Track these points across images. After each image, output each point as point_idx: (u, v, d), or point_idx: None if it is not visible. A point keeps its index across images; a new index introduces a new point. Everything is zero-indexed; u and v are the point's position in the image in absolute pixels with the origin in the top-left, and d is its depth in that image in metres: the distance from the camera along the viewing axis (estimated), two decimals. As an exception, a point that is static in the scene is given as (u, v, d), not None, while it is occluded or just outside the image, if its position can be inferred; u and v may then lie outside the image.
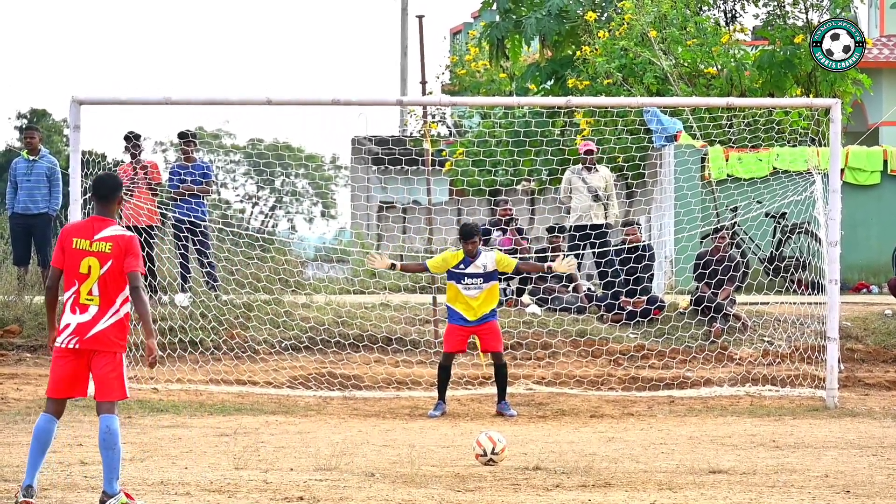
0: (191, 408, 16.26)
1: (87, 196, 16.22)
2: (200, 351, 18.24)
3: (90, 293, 9.38)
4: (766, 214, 21.17)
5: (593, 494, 10.36)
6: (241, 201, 64.85)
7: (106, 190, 9.64)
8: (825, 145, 17.75)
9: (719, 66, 24.90)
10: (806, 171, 19.05)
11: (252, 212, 64.43)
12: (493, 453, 11.72)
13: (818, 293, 17.67)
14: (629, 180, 23.73)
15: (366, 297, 20.31)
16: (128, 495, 9.40)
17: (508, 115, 25.83)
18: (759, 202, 21.01)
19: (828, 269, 16.95)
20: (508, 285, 19.98)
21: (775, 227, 21.56)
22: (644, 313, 19.14)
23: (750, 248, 21.57)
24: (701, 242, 21.01)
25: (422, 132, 23.39)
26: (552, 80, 27.24)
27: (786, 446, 13.31)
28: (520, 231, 20.88)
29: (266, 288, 19.39)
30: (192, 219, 19.62)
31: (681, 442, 13.67)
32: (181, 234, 19.79)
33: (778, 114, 22.63)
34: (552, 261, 16.72)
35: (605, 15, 26.42)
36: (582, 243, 20.01)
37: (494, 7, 27.95)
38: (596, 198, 20.16)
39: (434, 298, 19.12)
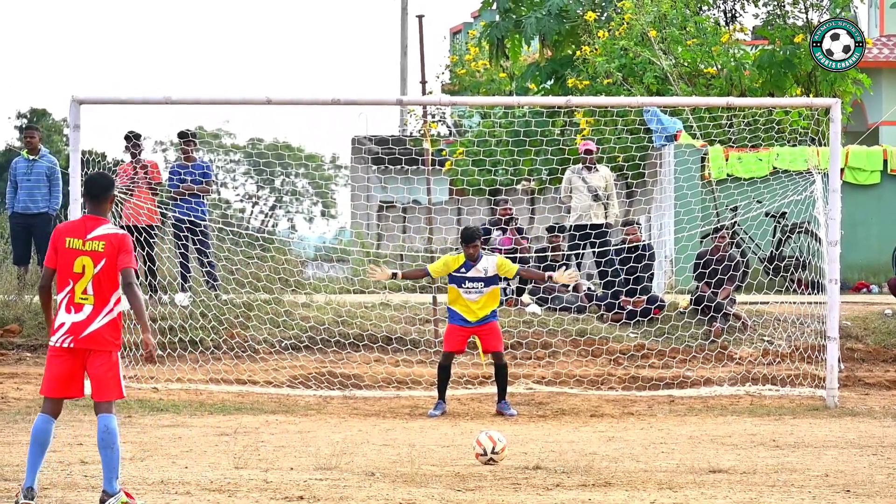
0: (191, 407, 16.26)
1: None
2: (200, 350, 18.24)
3: (84, 292, 9.39)
4: (766, 214, 21.17)
5: (593, 494, 10.36)
6: (241, 201, 64.90)
7: (98, 189, 9.63)
8: (825, 145, 17.75)
9: (719, 66, 24.91)
10: (806, 170, 19.05)
11: (252, 211, 64.46)
12: (493, 453, 11.72)
13: (818, 293, 17.68)
14: (629, 180, 23.73)
15: (366, 296, 20.31)
16: (128, 494, 9.40)
17: (508, 114, 25.84)
18: (759, 202, 21.01)
19: (828, 268, 16.95)
20: (508, 284, 19.99)
21: (775, 226, 21.56)
22: (644, 313, 19.14)
23: (750, 248, 21.58)
24: (701, 242, 21.02)
25: (422, 132, 23.39)
26: (552, 80, 27.25)
27: (786, 446, 13.31)
28: (520, 231, 20.88)
29: (266, 287, 19.40)
30: (192, 218, 19.63)
31: (681, 441, 13.67)
32: (181, 234, 19.79)
33: (778, 113, 22.63)
34: (554, 270, 16.73)
35: (605, 15, 26.43)
36: (582, 243, 20.02)
37: (494, 7, 27.96)
38: (596, 197, 20.17)
39: (434, 298, 19.13)
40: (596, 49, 24.94)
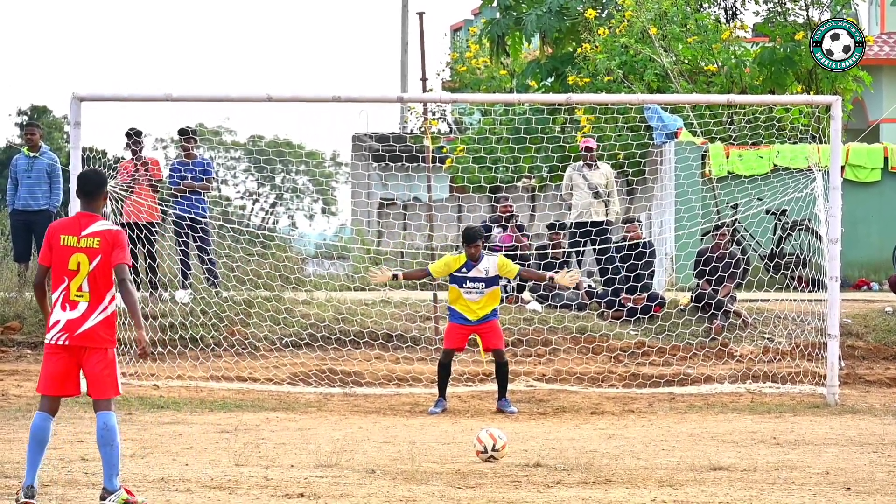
0: (191, 404, 16.26)
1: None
2: (201, 347, 18.24)
3: (80, 289, 9.38)
4: (767, 211, 21.16)
5: (594, 491, 10.36)
6: (242, 198, 64.88)
7: (91, 186, 9.62)
8: (826, 142, 17.75)
9: (720, 63, 24.91)
10: (806, 168, 19.06)
11: (252, 208, 64.44)
12: (493, 450, 11.72)
13: (819, 290, 17.68)
14: (630, 177, 23.72)
15: (366, 293, 20.32)
16: (128, 492, 9.40)
17: (509, 111, 25.83)
18: (759, 199, 21.01)
19: (828, 266, 16.95)
20: (509, 282, 19.98)
21: (776, 224, 21.56)
22: (644, 310, 19.14)
23: (750, 245, 21.57)
24: (701, 239, 21.02)
25: (422, 129, 23.40)
26: (553, 77, 27.25)
27: (786, 443, 13.31)
28: (520, 228, 20.88)
29: (266, 284, 19.40)
30: (193, 215, 19.62)
31: (681, 439, 13.67)
32: (182, 231, 19.79)
33: (778, 111, 22.62)
34: (556, 271, 16.72)
35: (606, 12, 26.44)
36: (583, 240, 20.01)
37: (495, 4, 27.96)
38: (597, 195, 20.16)
39: (434, 295, 19.13)
40: (596, 46, 24.94)
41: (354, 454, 12.17)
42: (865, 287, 22.74)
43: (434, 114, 33.90)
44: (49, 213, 20.02)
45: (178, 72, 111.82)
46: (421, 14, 20.93)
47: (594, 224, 20.08)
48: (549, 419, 15.62)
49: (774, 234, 21.63)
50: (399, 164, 23.23)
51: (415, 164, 21.38)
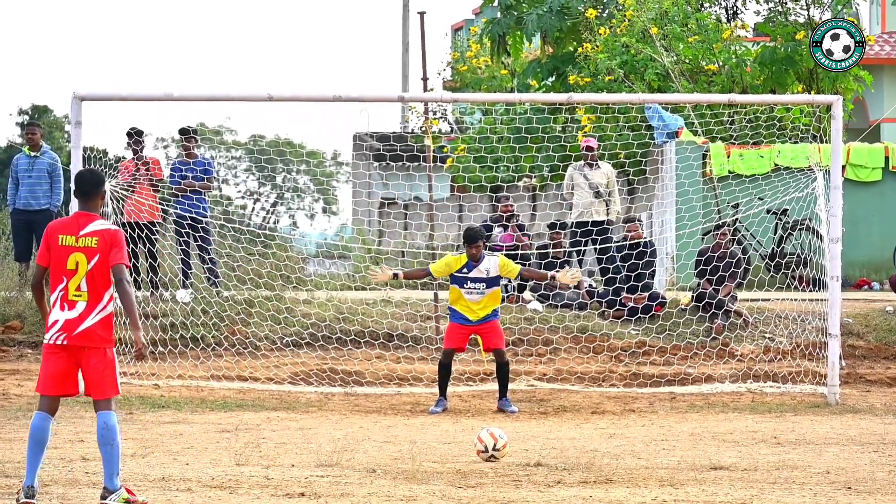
0: (192, 404, 16.26)
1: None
2: (202, 347, 18.24)
3: (78, 289, 9.38)
4: (768, 211, 21.15)
5: (595, 491, 10.36)
6: (243, 198, 64.87)
7: (88, 186, 9.61)
8: (826, 142, 17.75)
9: (721, 63, 24.90)
10: (807, 167, 19.05)
11: (253, 208, 64.44)
12: (494, 450, 11.72)
13: (819, 290, 17.68)
14: (631, 177, 23.72)
15: (367, 293, 20.32)
16: (129, 491, 9.40)
17: (510, 111, 25.83)
18: (760, 199, 21.00)
19: (829, 265, 16.95)
20: (510, 281, 19.97)
21: (777, 223, 21.55)
22: (645, 310, 19.13)
23: (751, 245, 21.57)
24: (702, 239, 21.01)
25: (423, 128, 23.40)
26: (553, 77, 27.25)
27: (787, 443, 13.31)
28: (521, 227, 20.87)
29: (267, 284, 19.39)
30: (194, 215, 19.62)
31: (682, 438, 13.67)
32: (182, 231, 19.79)
33: (779, 110, 22.62)
34: (557, 270, 16.72)
35: (607, 11, 26.43)
36: (583, 240, 20.01)
37: (496, 3, 27.95)
38: (597, 194, 20.15)
39: (435, 295, 19.12)
40: (597, 46, 24.94)
41: (355, 454, 12.17)
42: (866, 286, 22.74)
43: (435, 113, 33.92)
44: (50, 213, 20.02)
45: (178, 71, 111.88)
46: (422, 13, 20.94)
47: (595, 223, 20.07)
48: (550, 419, 15.62)
49: (775, 234, 21.62)
50: (400, 163, 23.21)
51: (416, 164, 21.37)
